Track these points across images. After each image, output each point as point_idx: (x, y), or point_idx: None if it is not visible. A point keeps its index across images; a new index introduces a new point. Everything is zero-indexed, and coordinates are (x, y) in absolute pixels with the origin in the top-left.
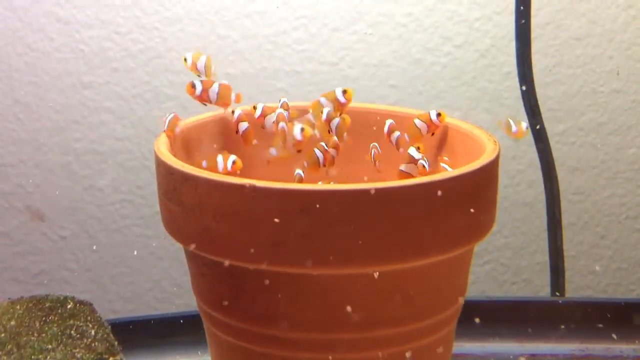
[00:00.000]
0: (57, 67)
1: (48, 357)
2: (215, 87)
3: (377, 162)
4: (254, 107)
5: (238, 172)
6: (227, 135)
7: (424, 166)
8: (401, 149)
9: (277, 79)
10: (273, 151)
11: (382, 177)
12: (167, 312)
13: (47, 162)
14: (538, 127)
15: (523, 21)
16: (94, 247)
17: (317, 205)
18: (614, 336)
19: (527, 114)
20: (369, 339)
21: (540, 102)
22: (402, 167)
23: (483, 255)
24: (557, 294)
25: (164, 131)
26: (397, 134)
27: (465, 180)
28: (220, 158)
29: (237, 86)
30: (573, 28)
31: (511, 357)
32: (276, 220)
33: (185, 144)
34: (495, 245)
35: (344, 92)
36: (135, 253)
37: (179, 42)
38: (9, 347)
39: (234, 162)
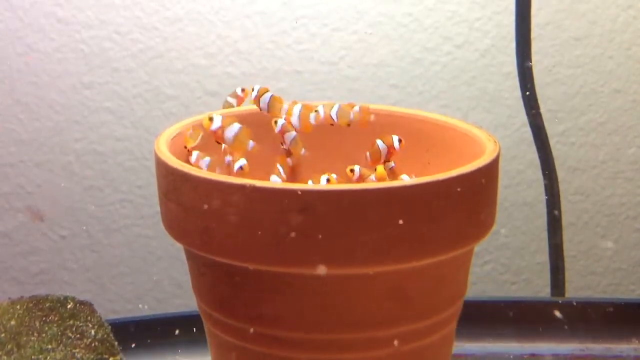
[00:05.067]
0: (57, 67)
1: (48, 357)
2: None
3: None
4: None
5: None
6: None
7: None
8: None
9: (277, 79)
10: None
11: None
12: (167, 312)
13: (47, 162)
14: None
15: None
16: (94, 247)
17: (317, 206)
18: (614, 336)
19: (527, 114)
20: (369, 339)
21: (540, 102)
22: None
23: (483, 255)
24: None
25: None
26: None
27: (466, 180)
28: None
29: (237, 86)
30: (573, 28)
31: (511, 357)
32: (276, 220)
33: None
34: (495, 245)
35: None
36: (135, 253)
37: (179, 42)
38: (9, 347)
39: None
